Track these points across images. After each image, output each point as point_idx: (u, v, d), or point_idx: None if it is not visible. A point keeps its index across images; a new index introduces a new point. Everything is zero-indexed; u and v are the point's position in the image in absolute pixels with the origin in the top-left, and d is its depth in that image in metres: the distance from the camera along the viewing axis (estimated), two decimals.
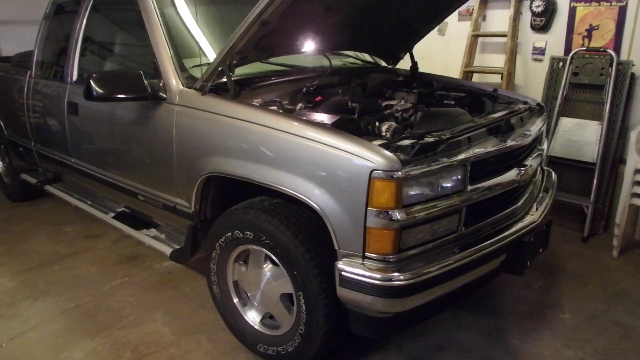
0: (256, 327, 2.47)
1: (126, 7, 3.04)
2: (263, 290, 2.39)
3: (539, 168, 2.76)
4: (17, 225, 4.21)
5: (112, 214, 3.34)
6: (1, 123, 4.32)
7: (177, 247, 2.80)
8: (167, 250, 2.79)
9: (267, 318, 2.48)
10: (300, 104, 2.63)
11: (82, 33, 3.39)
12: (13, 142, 4.27)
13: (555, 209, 2.79)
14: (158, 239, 2.95)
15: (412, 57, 3.38)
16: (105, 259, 3.57)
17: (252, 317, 2.49)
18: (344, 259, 1.99)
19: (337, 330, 2.18)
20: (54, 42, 3.77)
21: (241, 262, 2.46)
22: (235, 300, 2.53)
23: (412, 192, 1.92)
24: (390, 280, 1.91)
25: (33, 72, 3.83)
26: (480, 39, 4.60)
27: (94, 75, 2.50)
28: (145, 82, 2.56)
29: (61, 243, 3.84)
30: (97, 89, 2.47)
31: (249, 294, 2.50)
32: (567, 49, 4.06)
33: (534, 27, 4.22)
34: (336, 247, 2.00)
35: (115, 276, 3.32)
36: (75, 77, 3.37)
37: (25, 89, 3.84)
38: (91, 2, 3.37)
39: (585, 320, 2.82)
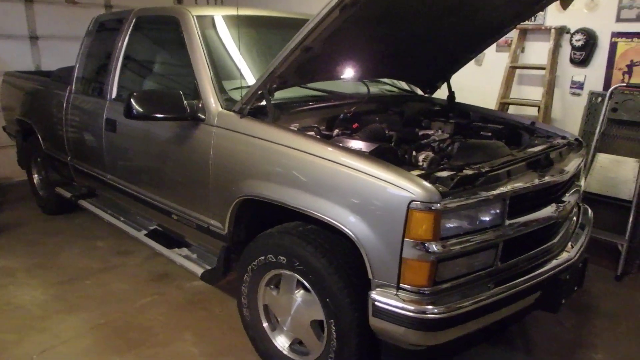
0: (285, 352, 2.47)
1: (168, 28, 3.06)
2: (293, 315, 2.38)
3: (576, 204, 2.72)
4: (50, 238, 4.26)
5: (145, 232, 3.36)
6: (39, 136, 4.34)
7: (209, 267, 2.80)
8: (199, 271, 2.79)
9: (297, 344, 2.47)
10: (337, 130, 2.64)
11: (124, 51, 3.42)
12: (50, 156, 4.31)
13: (588, 245, 2.76)
14: (189, 259, 2.96)
15: (449, 86, 3.37)
16: (137, 275, 3.60)
17: (281, 342, 2.49)
18: (377, 289, 1.98)
19: None
20: (95, 59, 3.79)
21: (272, 286, 2.46)
22: (265, 324, 2.53)
23: (450, 225, 1.92)
24: (424, 312, 1.90)
25: (73, 87, 3.86)
26: (517, 71, 4.59)
27: (135, 94, 2.52)
28: (185, 102, 2.57)
29: (93, 258, 3.88)
30: (137, 107, 2.49)
31: (279, 319, 2.49)
32: (607, 84, 4.04)
33: (574, 61, 4.22)
34: (370, 277, 1.99)
35: (145, 293, 3.34)
36: (114, 94, 3.39)
37: (65, 104, 3.86)
38: (133, 21, 3.41)
39: None
